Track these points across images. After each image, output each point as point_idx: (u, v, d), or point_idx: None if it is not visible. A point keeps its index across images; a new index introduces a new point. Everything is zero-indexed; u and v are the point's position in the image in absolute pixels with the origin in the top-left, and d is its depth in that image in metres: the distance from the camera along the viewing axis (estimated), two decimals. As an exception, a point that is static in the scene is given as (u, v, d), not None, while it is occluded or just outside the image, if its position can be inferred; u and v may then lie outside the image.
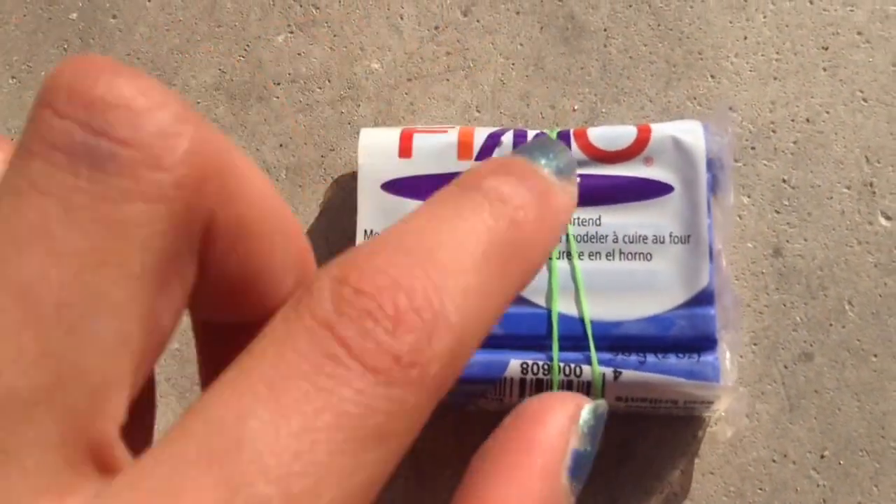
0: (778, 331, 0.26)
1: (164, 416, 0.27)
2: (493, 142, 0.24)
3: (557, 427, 0.13)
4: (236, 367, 0.10)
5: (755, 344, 0.26)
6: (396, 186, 0.25)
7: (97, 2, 0.31)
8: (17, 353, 0.09)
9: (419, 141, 0.25)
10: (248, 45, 0.30)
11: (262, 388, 0.10)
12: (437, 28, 0.29)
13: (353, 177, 0.26)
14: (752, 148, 0.27)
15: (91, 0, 0.31)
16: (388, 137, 0.25)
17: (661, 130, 0.23)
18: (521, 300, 0.23)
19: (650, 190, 0.23)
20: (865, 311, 0.26)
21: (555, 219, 0.13)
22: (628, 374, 0.22)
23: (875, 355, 0.25)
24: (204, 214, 0.10)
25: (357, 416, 0.10)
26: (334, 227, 0.28)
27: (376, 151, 0.25)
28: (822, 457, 0.25)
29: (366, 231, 0.24)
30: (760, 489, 0.25)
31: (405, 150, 0.25)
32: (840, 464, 0.25)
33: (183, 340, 0.28)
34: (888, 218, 0.27)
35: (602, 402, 0.13)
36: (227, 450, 0.09)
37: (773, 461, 0.25)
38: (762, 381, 0.25)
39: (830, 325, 0.26)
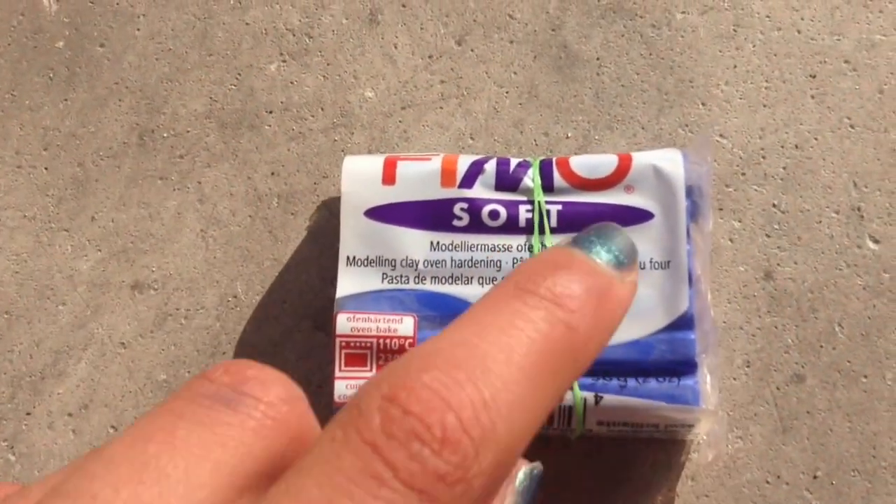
0: (770, 353, 0.30)
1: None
2: (476, 169, 0.29)
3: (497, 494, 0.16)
4: (284, 485, 0.13)
5: (748, 366, 0.30)
6: (379, 213, 0.29)
7: (84, 30, 0.35)
8: None
9: (403, 168, 0.29)
10: (239, 74, 0.35)
11: None
12: (430, 57, 0.34)
13: (340, 200, 0.31)
14: (743, 174, 0.32)
15: (78, 29, 0.35)
16: (372, 164, 0.29)
17: (642, 159, 0.28)
18: None
19: (631, 217, 0.28)
20: (855, 332, 0.30)
21: (612, 316, 0.15)
22: (609, 398, 0.26)
23: (865, 376, 0.30)
24: (281, 451, 0.14)
25: None
26: (326, 253, 0.32)
27: (360, 178, 0.29)
28: (815, 477, 0.29)
29: (348, 258, 0.29)
30: (755, 509, 0.29)
31: (389, 177, 0.29)
32: (832, 484, 0.29)
33: (170, 371, 0.32)
34: (876, 241, 0.31)
35: (538, 465, 0.16)
36: None
37: (767, 482, 0.29)
38: (755, 403, 0.30)
39: (821, 346, 0.30)
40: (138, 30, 0.36)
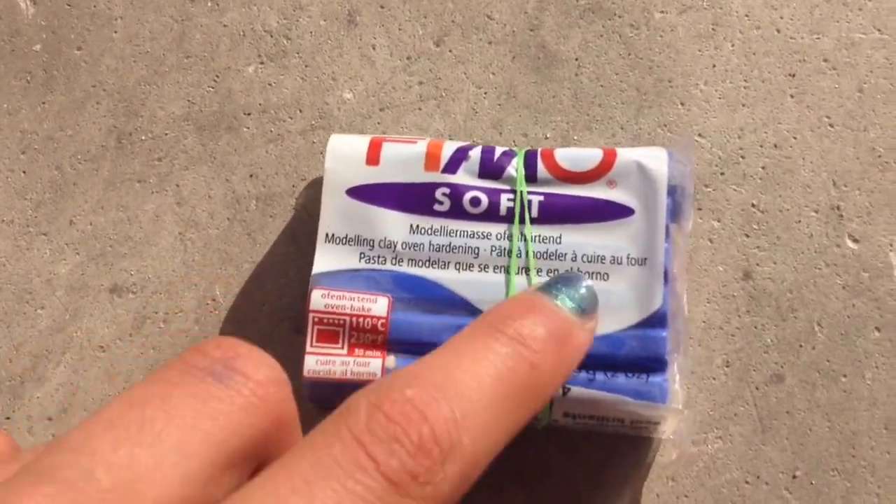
0: (749, 353, 0.31)
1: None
2: (460, 155, 0.29)
3: None
4: (279, 463, 0.15)
5: (727, 366, 0.31)
6: (361, 193, 0.29)
7: (62, 33, 0.36)
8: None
9: (387, 150, 0.29)
10: (217, 76, 0.35)
11: (301, 482, 0.14)
12: (409, 58, 0.34)
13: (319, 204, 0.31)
14: (722, 173, 0.32)
15: (55, 32, 0.36)
16: (357, 144, 0.30)
17: (626, 155, 0.29)
18: (477, 312, 0.28)
19: (611, 212, 0.28)
20: (834, 332, 0.31)
21: (571, 358, 0.18)
22: (577, 390, 0.26)
23: (844, 375, 0.30)
24: (265, 431, 0.15)
25: None
26: (305, 256, 0.32)
27: (344, 157, 0.29)
28: (794, 477, 0.30)
29: (327, 235, 0.29)
30: (734, 509, 0.29)
31: (373, 157, 0.29)
32: (812, 483, 0.29)
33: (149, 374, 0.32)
34: (855, 240, 0.32)
35: None
36: None
37: (747, 482, 0.30)
38: (734, 403, 0.30)
39: (800, 346, 0.31)
40: (115, 32, 0.36)
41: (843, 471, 0.30)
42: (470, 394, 0.16)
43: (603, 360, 0.27)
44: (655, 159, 0.29)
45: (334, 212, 0.29)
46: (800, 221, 0.32)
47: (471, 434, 0.16)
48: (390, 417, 0.15)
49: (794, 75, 0.34)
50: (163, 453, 0.13)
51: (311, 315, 0.28)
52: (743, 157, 0.33)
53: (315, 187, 0.33)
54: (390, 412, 0.15)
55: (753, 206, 0.33)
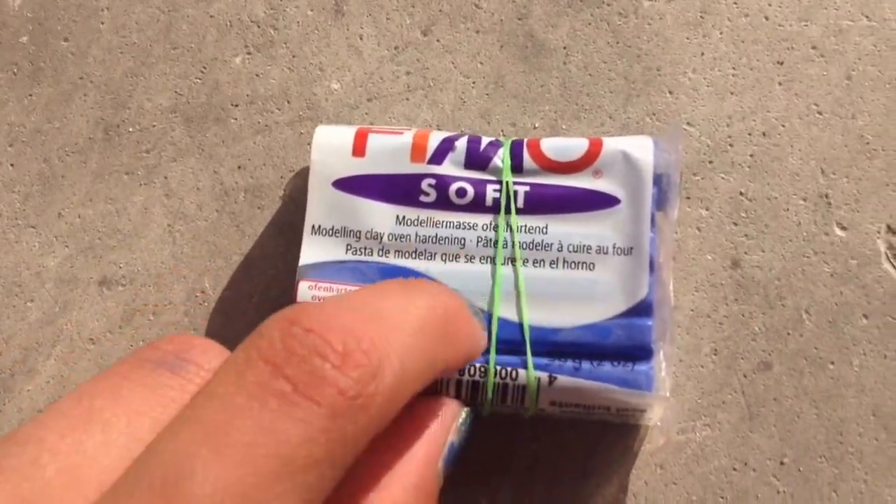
0: (737, 341, 0.31)
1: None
2: (447, 146, 0.29)
3: (444, 423, 0.19)
4: (190, 408, 0.14)
5: (715, 354, 0.31)
6: (347, 184, 0.29)
7: (48, 25, 0.36)
8: None
9: (373, 140, 0.30)
10: (204, 67, 0.35)
11: (211, 426, 0.13)
12: (396, 48, 0.34)
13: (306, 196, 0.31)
14: (710, 162, 0.33)
15: (42, 23, 0.36)
16: (343, 135, 0.30)
17: (612, 144, 0.29)
18: None
19: (597, 201, 0.28)
20: (822, 319, 0.31)
21: (477, 332, 0.18)
22: (563, 379, 0.27)
23: (832, 363, 0.31)
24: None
25: (298, 445, 0.13)
26: (293, 248, 0.32)
27: (330, 149, 0.30)
28: (782, 464, 0.30)
29: (313, 226, 0.29)
30: (722, 497, 0.30)
31: (359, 148, 0.30)
32: (800, 470, 0.30)
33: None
34: (843, 228, 0.32)
35: (469, 409, 0.20)
36: (171, 482, 0.12)
37: (734, 469, 0.30)
38: (722, 391, 0.30)
39: (788, 334, 0.31)
40: (102, 23, 0.36)
41: (831, 457, 0.30)
42: (392, 319, 0.15)
43: (590, 348, 0.27)
44: (641, 148, 0.29)
45: (321, 203, 0.29)
46: (788, 209, 0.33)
47: (397, 352, 0.14)
48: (309, 329, 0.14)
49: (782, 63, 0.34)
50: (111, 439, 0.13)
51: None
52: (731, 146, 0.33)
53: (302, 177, 0.33)
54: (309, 324, 0.14)
55: (741, 194, 0.33)
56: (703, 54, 0.34)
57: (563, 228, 0.28)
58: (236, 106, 0.35)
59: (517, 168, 0.29)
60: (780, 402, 0.31)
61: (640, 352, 0.27)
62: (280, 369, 0.13)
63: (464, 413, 0.19)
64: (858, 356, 0.31)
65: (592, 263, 0.28)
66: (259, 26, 0.35)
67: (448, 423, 0.19)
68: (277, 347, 0.13)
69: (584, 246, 0.28)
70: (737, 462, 0.30)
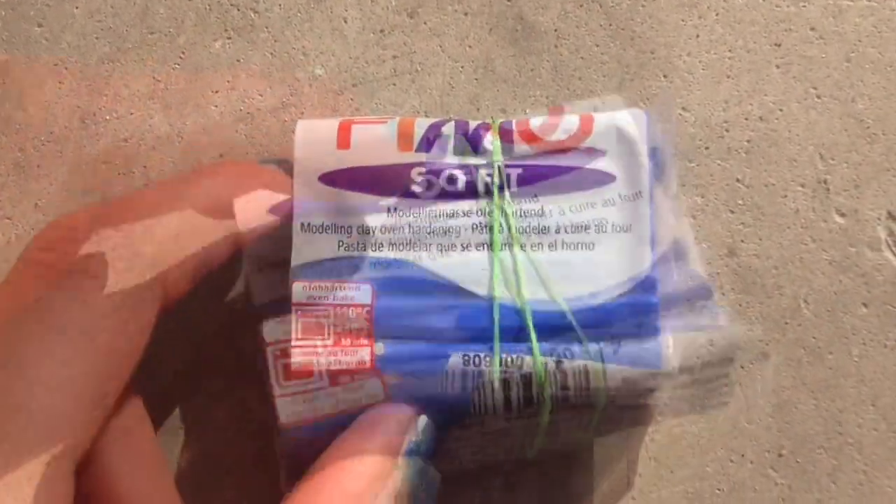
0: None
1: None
2: (433, 132, 0.28)
3: (403, 417, 0.24)
4: None
5: (711, 345, 0.30)
6: (334, 178, 0.29)
7: (21, 10, 0.35)
8: None
9: (357, 132, 0.29)
10: (183, 52, 0.34)
11: None
12: (382, 31, 0.34)
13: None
14: (706, 148, 0.32)
15: (14, 9, 0.35)
16: (326, 128, 0.29)
17: (604, 120, 0.28)
18: (462, 292, 0.27)
19: (592, 180, 0.28)
20: (821, 308, 0.31)
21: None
22: (570, 362, 0.26)
23: (830, 352, 0.30)
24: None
25: None
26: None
27: (313, 143, 0.29)
28: (780, 455, 0.30)
29: (303, 225, 0.28)
30: (718, 489, 0.29)
31: (343, 141, 0.29)
32: (797, 462, 0.30)
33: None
34: (842, 215, 0.31)
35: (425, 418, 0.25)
36: None
37: (731, 461, 0.30)
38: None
39: (786, 323, 0.31)
40: (77, 8, 0.35)
41: (830, 448, 0.30)
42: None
43: (595, 330, 0.27)
44: (633, 123, 0.28)
45: (309, 200, 0.29)
46: (786, 196, 0.32)
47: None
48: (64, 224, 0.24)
49: (779, 45, 0.33)
50: None
51: (294, 308, 0.27)
52: (727, 131, 0.33)
53: (286, 168, 0.33)
54: (67, 222, 0.23)
55: (738, 181, 0.32)
56: (698, 36, 0.34)
57: (560, 209, 0.28)
58: (216, 92, 0.34)
59: (508, 150, 0.28)
60: (777, 392, 0.30)
61: (646, 330, 0.27)
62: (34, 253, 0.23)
63: (421, 420, 0.24)
64: (858, 345, 0.31)
65: (592, 243, 0.27)
66: (239, 9, 0.35)
67: (405, 421, 0.23)
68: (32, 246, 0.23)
69: (582, 226, 0.28)
70: (734, 454, 0.30)
